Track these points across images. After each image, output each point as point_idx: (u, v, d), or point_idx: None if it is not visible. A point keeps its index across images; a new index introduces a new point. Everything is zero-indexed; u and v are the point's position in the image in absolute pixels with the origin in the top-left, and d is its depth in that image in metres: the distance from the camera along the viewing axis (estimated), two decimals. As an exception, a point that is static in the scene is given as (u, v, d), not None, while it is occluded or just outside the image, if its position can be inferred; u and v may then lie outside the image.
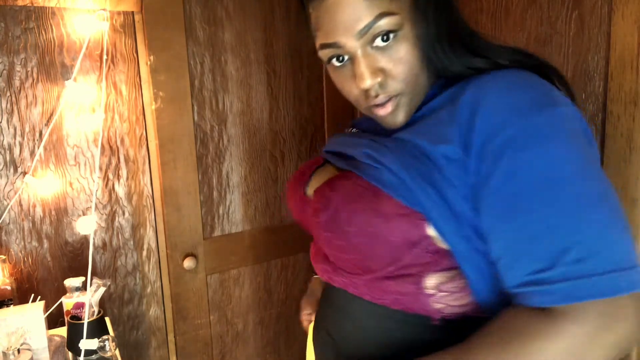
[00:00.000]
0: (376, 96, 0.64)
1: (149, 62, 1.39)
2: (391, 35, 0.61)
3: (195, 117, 1.50)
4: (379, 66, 0.62)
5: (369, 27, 0.60)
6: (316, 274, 0.93)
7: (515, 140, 0.53)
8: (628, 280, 0.48)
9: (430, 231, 0.58)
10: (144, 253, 1.51)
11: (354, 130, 0.81)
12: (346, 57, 0.64)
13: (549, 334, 0.49)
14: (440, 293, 0.60)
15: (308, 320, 0.90)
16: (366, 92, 0.64)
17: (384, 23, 0.59)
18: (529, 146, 0.52)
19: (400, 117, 0.66)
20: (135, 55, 1.42)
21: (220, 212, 1.58)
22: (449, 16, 0.64)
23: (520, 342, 0.51)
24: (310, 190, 0.76)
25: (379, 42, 0.61)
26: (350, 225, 0.61)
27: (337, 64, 0.65)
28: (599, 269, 0.48)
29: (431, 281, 0.60)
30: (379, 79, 0.62)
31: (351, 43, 0.61)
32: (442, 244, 0.58)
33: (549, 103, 0.54)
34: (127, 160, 1.45)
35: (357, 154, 0.66)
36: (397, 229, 0.58)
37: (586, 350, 0.48)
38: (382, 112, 0.65)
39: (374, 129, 0.74)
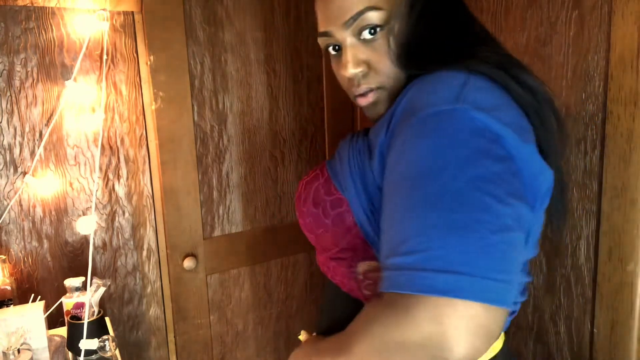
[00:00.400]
0: (359, 85, 0.67)
1: (149, 62, 1.39)
2: (378, 30, 0.64)
3: (195, 117, 1.50)
4: (363, 58, 0.66)
5: (354, 18, 0.63)
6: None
7: (402, 134, 0.55)
8: (435, 282, 0.47)
9: (354, 217, 0.62)
10: (144, 253, 1.51)
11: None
12: (340, 46, 0.68)
13: (370, 318, 0.52)
14: (367, 280, 0.64)
15: None
16: (350, 80, 0.68)
17: (370, 16, 0.63)
18: (407, 140, 0.54)
19: (380, 110, 0.68)
20: (135, 55, 1.42)
21: (220, 212, 1.58)
22: (444, 21, 0.64)
23: (356, 325, 0.55)
24: None
25: (366, 34, 0.64)
26: (304, 205, 0.68)
27: (333, 52, 0.70)
28: (420, 265, 0.47)
29: (361, 267, 0.65)
30: (361, 69, 0.66)
31: (340, 33, 0.66)
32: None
33: (447, 101, 0.53)
34: (127, 160, 1.45)
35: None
36: (332, 213, 0.64)
37: (389, 341, 0.49)
38: (363, 102, 0.69)
39: None
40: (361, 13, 0.63)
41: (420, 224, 0.49)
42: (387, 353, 0.50)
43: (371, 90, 0.67)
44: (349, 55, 0.66)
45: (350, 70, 0.66)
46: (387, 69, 0.65)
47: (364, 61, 0.66)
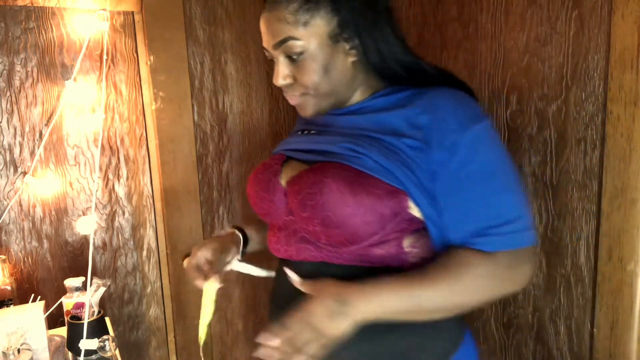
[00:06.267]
0: (286, 92, 0.85)
1: (149, 62, 1.39)
2: (302, 53, 0.78)
3: (195, 117, 1.50)
4: (290, 73, 0.81)
5: (278, 45, 0.79)
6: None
7: (464, 141, 0.73)
8: (531, 237, 0.73)
9: (410, 203, 0.75)
10: (144, 253, 1.51)
11: (312, 131, 0.92)
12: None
13: (483, 263, 0.72)
14: (414, 250, 0.78)
15: (199, 271, 0.90)
16: (281, 87, 0.85)
17: (291, 44, 0.77)
18: (473, 146, 0.73)
19: (308, 111, 0.84)
20: (135, 55, 1.42)
21: (220, 212, 1.58)
22: (375, 42, 0.78)
23: (463, 269, 0.72)
24: (283, 181, 0.85)
25: (293, 55, 0.79)
26: (347, 204, 0.73)
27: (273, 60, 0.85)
28: (519, 229, 0.72)
29: (407, 242, 0.77)
30: (288, 81, 0.82)
31: (273, 51, 0.81)
32: (416, 212, 0.76)
33: (481, 116, 0.76)
34: (127, 160, 1.45)
35: (336, 148, 0.80)
36: (387, 204, 0.74)
37: (505, 275, 0.73)
38: (292, 102, 0.85)
39: (331, 124, 0.89)
40: (284, 41, 0.77)
41: (508, 203, 0.73)
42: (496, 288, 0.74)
43: (295, 96, 0.83)
44: (279, 69, 0.82)
45: (280, 81, 0.82)
46: (308, 83, 0.79)
47: (290, 75, 0.81)
